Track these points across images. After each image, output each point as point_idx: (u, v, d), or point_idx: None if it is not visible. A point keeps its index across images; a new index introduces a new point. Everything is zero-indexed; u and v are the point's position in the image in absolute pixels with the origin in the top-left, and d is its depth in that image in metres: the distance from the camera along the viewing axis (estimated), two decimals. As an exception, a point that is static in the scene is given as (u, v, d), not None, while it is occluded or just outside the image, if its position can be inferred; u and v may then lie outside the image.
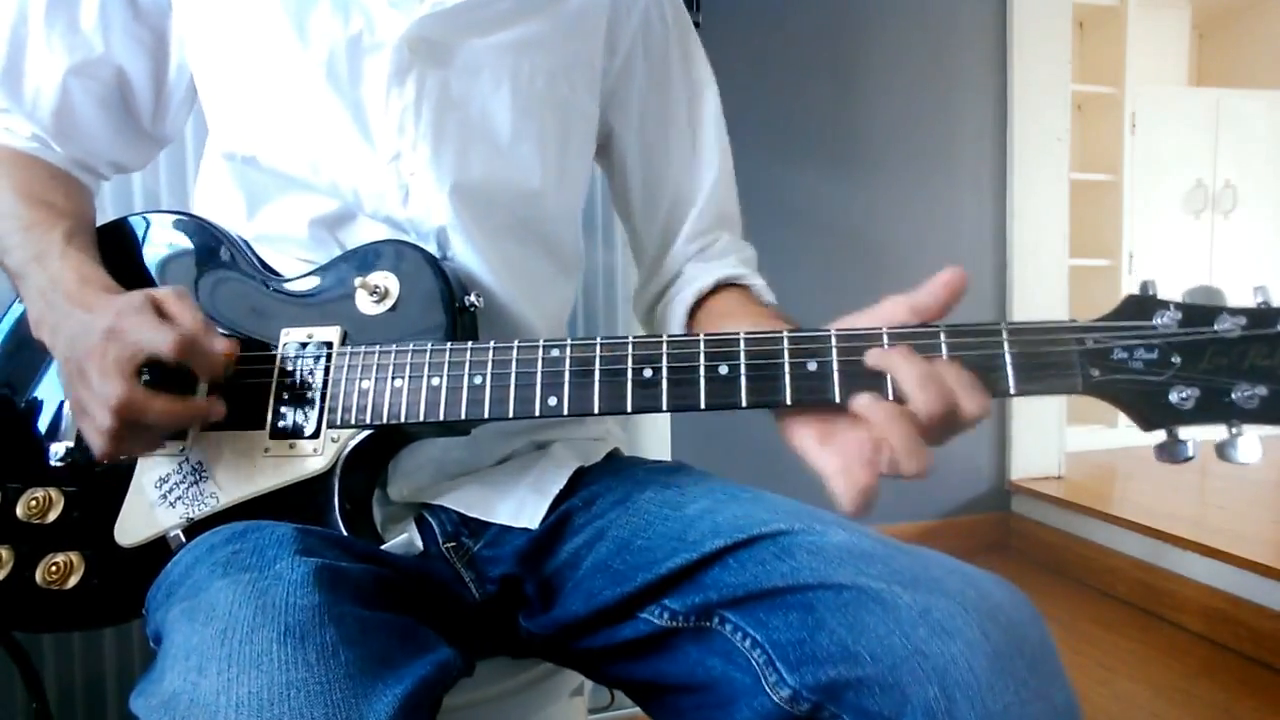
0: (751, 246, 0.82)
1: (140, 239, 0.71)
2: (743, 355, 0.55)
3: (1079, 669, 1.66)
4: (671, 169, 0.79)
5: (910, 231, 2.27)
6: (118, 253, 0.69)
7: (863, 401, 0.51)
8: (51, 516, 0.63)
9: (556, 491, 0.68)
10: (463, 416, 0.58)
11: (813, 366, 0.53)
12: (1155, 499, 2.23)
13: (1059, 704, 0.47)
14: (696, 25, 1.50)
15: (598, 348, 0.57)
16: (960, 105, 2.31)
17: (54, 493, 0.63)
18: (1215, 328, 0.48)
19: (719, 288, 0.75)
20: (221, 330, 0.65)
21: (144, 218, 0.72)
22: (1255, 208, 3.01)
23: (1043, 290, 2.35)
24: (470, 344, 0.60)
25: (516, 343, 0.59)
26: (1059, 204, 2.38)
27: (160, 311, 0.58)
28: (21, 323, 0.66)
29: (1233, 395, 0.48)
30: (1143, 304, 0.50)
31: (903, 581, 0.50)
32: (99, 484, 0.63)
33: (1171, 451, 0.49)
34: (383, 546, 0.61)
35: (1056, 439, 2.42)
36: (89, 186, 0.75)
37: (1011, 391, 0.50)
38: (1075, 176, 2.52)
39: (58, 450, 0.63)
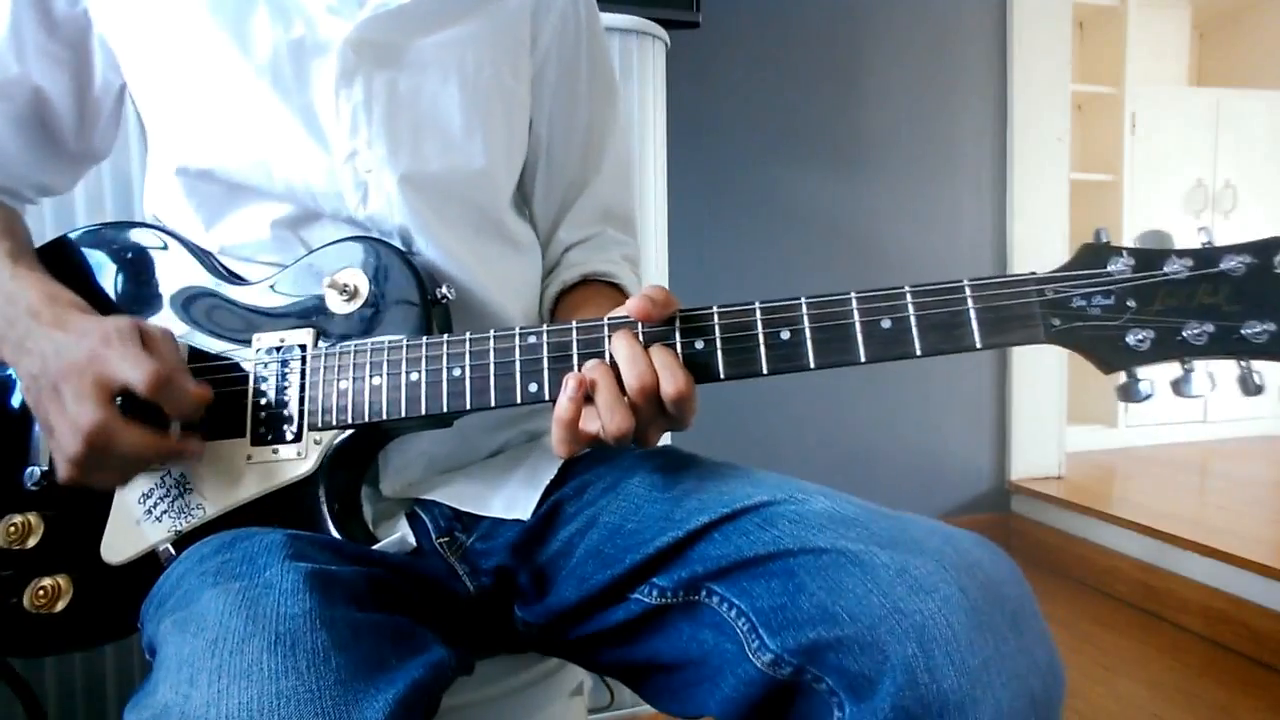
0: (636, 245, 0.87)
1: (93, 254, 0.69)
2: (717, 330, 0.56)
3: (1079, 669, 1.66)
4: (570, 161, 0.82)
5: (910, 231, 2.27)
6: (70, 272, 0.67)
7: (589, 363, 0.56)
8: (32, 542, 0.62)
9: (548, 482, 0.68)
10: (444, 409, 0.58)
11: (786, 334, 0.55)
12: (1155, 499, 2.23)
13: (1040, 659, 0.47)
14: (696, 26, 1.50)
15: (574, 332, 0.57)
16: (960, 105, 2.31)
17: (33, 518, 0.62)
18: (1165, 270, 0.51)
19: (585, 281, 0.79)
20: (196, 339, 0.65)
21: (101, 229, 0.70)
22: (1255, 208, 3.01)
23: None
24: (446, 336, 0.59)
25: (493, 332, 0.59)
26: (1059, 204, 2.38)
27: (145, 342, 0.58)
28: None
29: (1184, 333, 0.51)
30: (1098, 252, 0.53)
31: (881, 542, 0.51)
32: (79, 505, 0.62)
33: (1130, 391, 0.52)
34: (375, 547, 0.61)
35: (1056, 439, 2.42)
36: (15, 210, 0.73)
37: (977, 345, 0.53)
38: (1075, 176, 2.52)
39: (32, 474, 0.61)
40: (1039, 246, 2.35)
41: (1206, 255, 0.51)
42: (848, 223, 2.22)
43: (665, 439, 1.62)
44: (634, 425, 0.54)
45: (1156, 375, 0.52)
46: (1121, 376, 0.52)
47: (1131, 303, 0.51)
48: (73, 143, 0.75)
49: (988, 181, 2.34)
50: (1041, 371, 2.36)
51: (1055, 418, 2.42)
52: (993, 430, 2.39)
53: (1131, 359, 0.51)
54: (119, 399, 0.57)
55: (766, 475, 0.61)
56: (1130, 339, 0.51)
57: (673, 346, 0.56)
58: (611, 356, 0.56)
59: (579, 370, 0.56)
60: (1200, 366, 0.51)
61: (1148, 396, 0.51)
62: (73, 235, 0.70)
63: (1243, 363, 0.50)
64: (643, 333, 0.56)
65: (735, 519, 0.57)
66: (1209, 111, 2.98)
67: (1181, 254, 0.51)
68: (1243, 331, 0.50)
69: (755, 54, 2.12)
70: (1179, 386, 0.52)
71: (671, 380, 0.53)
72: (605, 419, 0.54)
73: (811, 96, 2.18)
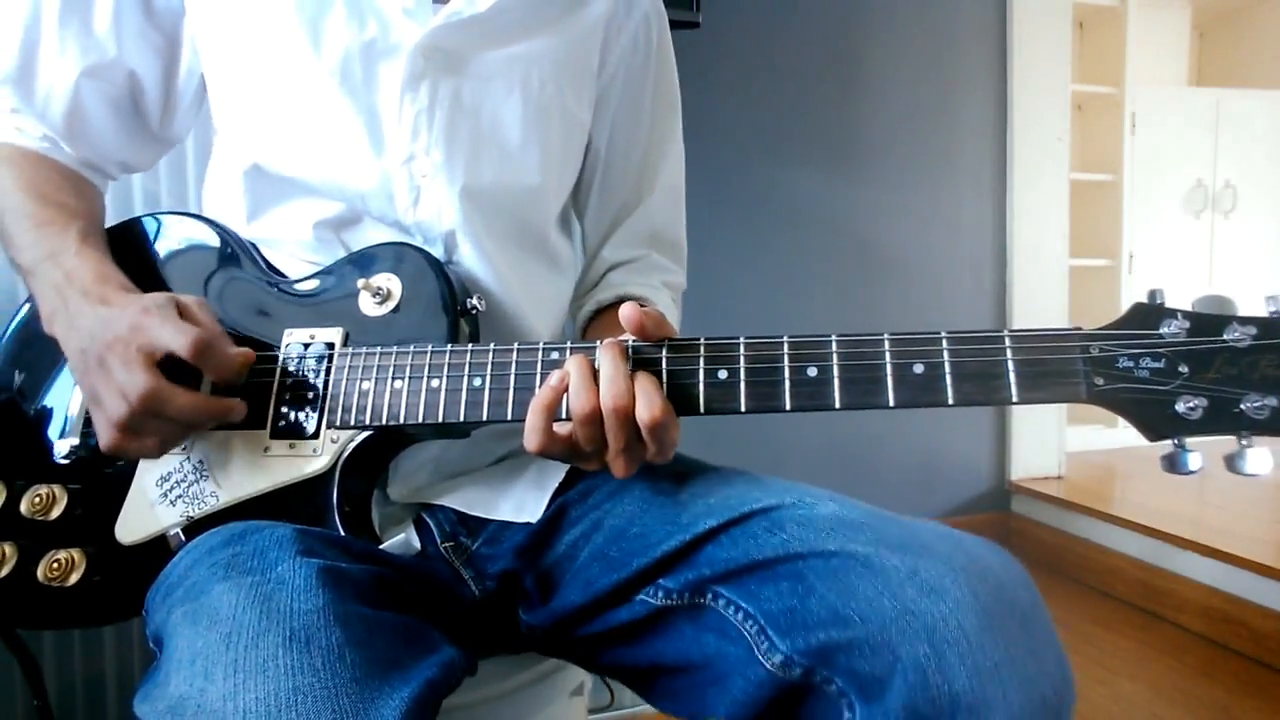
0: (681, 273, 0.86)
1: (150, 240, 0.72)
2: (742, 360, 0.55)
3: (1079, 669, 1.65)
4: (625, 181, 0.82)
5: (911, 231, 2.27)
6: (128, 253, 0.70)
7: (575, 376, 0.55)
8: (55, 513, 0.63)
9: (556, 485, 0.68)
10: (461, 418, 0.58)
11: (813, 372, 0.54)
12: (1155, 499, 2.23)
13: (1050, 662, 0.47)
14: (696, 26, 1.50)
15: (598, 351, 0.57)
16: (960, 105, 2.31)
17: (58, 490, 0.63)
18: (1225, 337, 0.48)
19: (620, 301, 0.78)
20: (230, 331, 0.65)
21: (154, 218, 0.73)
22: (1255, 208, 3.01)
23: (1043, 290, 2.35)
24: (470, 346, 0.60)
25: (516, 345, 0.59)
26: (1059, 204, 2.38)
27: (182, 313, 0.59)
28: (29, 322, 0.66)
29: (1242, 405, 0.47)
30: (1150, 312, 0.50)
31: (890, 546, 0.51)
32: (102, 481, 0.63)
33: (1175, 463, 0.49)
34: (379, 547, 0.61)
35: (1056, 439, 2.42)
36: (97, 186, 0.76)
37: (1014, 399, 0.50)
38: (1075, 176, 2.52)
39: (62, 447, 0.63)
40: (1039, 246, 2.36)
41: (1273, 324, 0.47)
42: (848, 223, 2.22)
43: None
44: (597, 411, 0.54)
45: (1207, 447, 0.48)
46: (1168, 445, 0.49)
47: (1184, 368, 0.48)
48: (157, 125, 0.77)
49: (988, 181, 2.34)
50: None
51: (1055, 417, 2.42)
52: (993, 430, 2.39)
53: (1180, 428, 0.48)
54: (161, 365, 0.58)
55: (771, 480, 0.61)
56: (1180, 406, 0.48)
57: (658, 374, 0.55)
58: (597, 372, 0.55)
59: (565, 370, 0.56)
60: (1260, 443, 0.47)
61: (1196, 470, 0.48)
62: (142, 219, 0.73)
63: None
64: (632, 358, 0.56)
65: (742, 523, 0.57)
66: (1209, 111, 2.98)
67: (1245, 321, 0.48)
68: None
69: (755, 54, 2.12)
70: (1233, 463, 0.47)
71: (648, 406, 0.53)
72: (573, 403, 0.54)
73: (811, 96, 2.18)
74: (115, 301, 0.60)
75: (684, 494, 0.62)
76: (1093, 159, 2.89)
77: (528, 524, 0.67)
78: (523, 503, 0.68)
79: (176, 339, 0.56)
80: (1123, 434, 2.81)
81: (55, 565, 0.62)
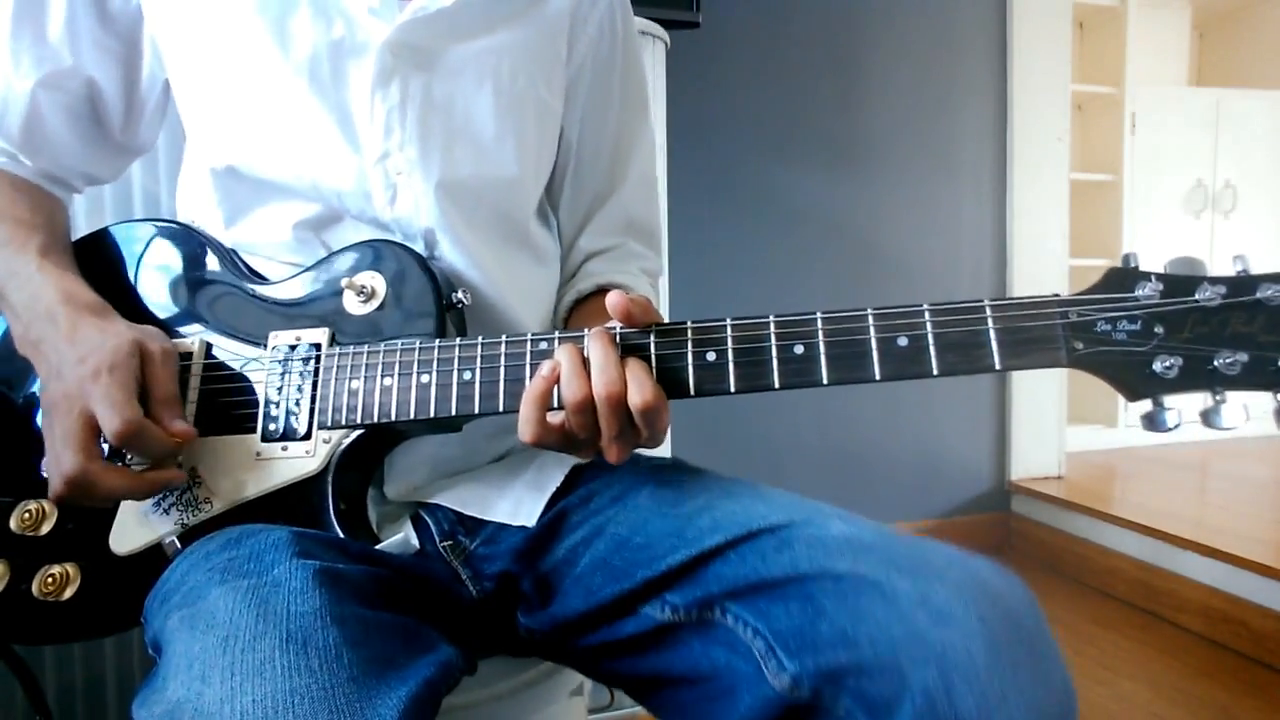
0: (657, 259, 0.87)
1: (125, 249, 0.70)
2: (729, 341, 0.55)
3: (1079, 669, 1.66)
4: (597, 171, 0.82)
5: (910, 231, 2.27)
6: (103, 264, 0.68)
7: (565, 364, 0.55)
8: (45, 528, 0.62)
9: (554, 489, 0.68)
10: (453, 413, 0.58)
11: (800, 349, 0.54)
12: (1155, 499, 2.23)
13: (1056, 687, 0.47)
14: (696, 26, 1.50)
15: (586, 339, 0.57)
16: (960, 105, 2.31)
17: (47, 505, 0.63)
18: (1196, 297, 0.49)
19: (599, 291, 0.78)
20: (214, 336, 0.65)
21: (128, 225, 0.71)
22: (1255, 208, 3.01)
23: (1043, 290, 2.34)
24: (459, 340, 0.60)
25: (504, 337, 0.59)
26: (1059, 204, 2.38)
27: (145, 368, 0.58)
28: (7, 337, 0.65)
29: (1215, 362, 0.49)
30: (1125, 276, 0.51)
31: (901, 569, 0.51)
32: None
33: (1154, 421, 0.50)
34: (378, 546, 0.61)
35: (1056, 439, 2.42)
36: (61, 199, 0.74)
37: (996, 366, 0.51)
38: (1075, 176, 2.52)
39: (48, 462, 0.62)
40: (1039, 246, 2.36)
41: (1242, 283, 0.49)
42: (848, 223, 2.22)
43: (667, 447, 1.62)
44: (590, 399, 0.54)
45: (1184, 405, 0.50)
46: (1147, 404, 0.50)
47: (1159, 329, 0.49)
48: (119, 134, 0.76)
49: (988, 181, 2.34)
50: (1042, 372, 2.37)
51: (1055, 418, 2.42)
52: (993, 430, 2.39)
53: (1158, 387, 0.49)
54: (102, 437, 0.57)
55: (779, 494, 0.61)
56: (1157, 366, 0.49)
57: (647, 359, 0.55)
58: (587, 360, 0.55)
59: (555, 360, 0.56)
60: (1233, 398, 0.49)
61: (1174, 426, 0.49)
62: (112, 228, 0.71)
63: (1279, 395, 0.48)
64: (620, 344, 0.56)
65: (750, 540, 0.56)
66: (1209, 111, 2.98)
67: (1215, 281, 0.49)
68: None
69: (755, 54, 2.12)
70: (1209, 418, 0.49)
71: (639, 391, 0.53)
72: (566, 392, 0.54)
73: (811, 96, 2.18)
74: (80, 338, 0.58)
75: (688, 505, 0.61)
76: (1093, 159, 2.89)
77: (526, 526, 0.67)
78: (519, 505, 0.68)
79: (107, 420, 0.55)
80: (1123, 434, 2.81)
81: (50, 580, 0.61)
